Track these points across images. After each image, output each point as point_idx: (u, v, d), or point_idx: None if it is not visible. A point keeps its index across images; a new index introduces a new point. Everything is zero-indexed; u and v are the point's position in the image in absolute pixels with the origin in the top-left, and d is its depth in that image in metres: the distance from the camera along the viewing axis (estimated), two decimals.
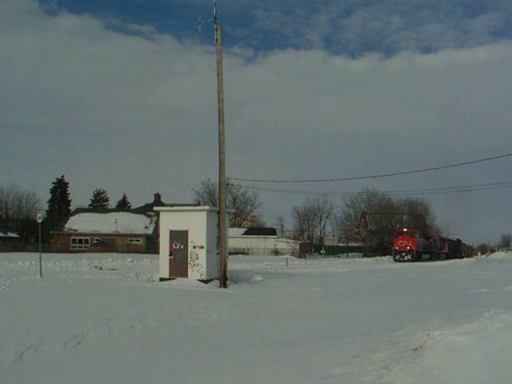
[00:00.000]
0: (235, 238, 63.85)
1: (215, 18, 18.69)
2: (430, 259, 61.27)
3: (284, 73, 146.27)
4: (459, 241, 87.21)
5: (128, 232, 66.49)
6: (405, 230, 62.39)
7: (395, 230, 67.58)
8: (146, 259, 37.05)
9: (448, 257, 70.22)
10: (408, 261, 53.58)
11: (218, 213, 18.79)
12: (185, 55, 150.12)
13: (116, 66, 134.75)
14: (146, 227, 68.89)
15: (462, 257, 75.74)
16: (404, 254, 56.03)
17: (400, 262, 53.41)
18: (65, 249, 59.26)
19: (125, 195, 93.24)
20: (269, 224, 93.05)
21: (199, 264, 18.12)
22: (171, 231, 18.67)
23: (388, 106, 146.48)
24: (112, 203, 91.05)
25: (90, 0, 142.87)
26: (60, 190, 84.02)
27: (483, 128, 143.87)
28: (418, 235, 59.18)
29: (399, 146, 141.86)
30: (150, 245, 60.39)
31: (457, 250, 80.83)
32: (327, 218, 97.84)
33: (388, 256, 65.28)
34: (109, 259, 36.92)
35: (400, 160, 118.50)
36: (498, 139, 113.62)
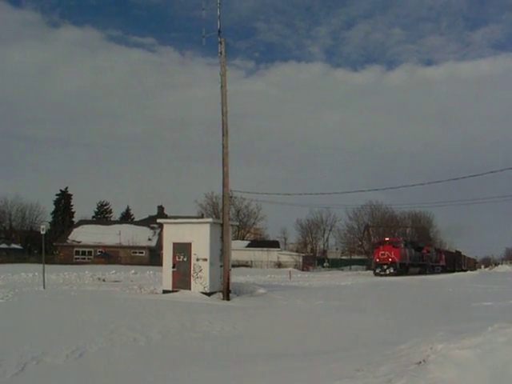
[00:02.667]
0: (238, 250, 63.78)
1: (219, 31, 18.84)
2: (421, 273, 55.33)
3: (285, 85, 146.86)
4: (459, 253, 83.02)
5: (131, 244, 66.48)
6: (387, 239, 56.04)
7: (376, 240, 62.07)
8: (149, 271, 37.02)
9: (445, 270, 65.41)
10: (390, 275, 47.49)
11: (222, 225, 18.79)
12: (186, 67, 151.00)
13: (118, 78, 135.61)
14: (150, 239, 68.89)
15: (463, 270, 72.96)
16: (385, 266, 49.32)
17: (381, 276, 47.15)
18: (68, 260, 59.21)
19: (128, 207, 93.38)
20: (272, 237, 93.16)
21: (202, 276, 18.10)
22: (174, 243, 18.67)
23: (390, 118, 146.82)
24: (115, 215, 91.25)
25: (92, 12, 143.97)
26: (63, 201, 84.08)
27: (486, 141, 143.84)
28: (402, 245, 52.95)
29: (402, 159, 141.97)
30: (154, 257, 60.36)
31: (456, 262, 76.22)
32: (330, 230, 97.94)
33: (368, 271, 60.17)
34: (112, 271, 36.91)
35: (403, 173, 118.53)
36: (502, 152, 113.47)
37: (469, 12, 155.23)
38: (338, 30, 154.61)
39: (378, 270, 49.71)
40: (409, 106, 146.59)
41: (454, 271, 66.80)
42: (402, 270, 49.82)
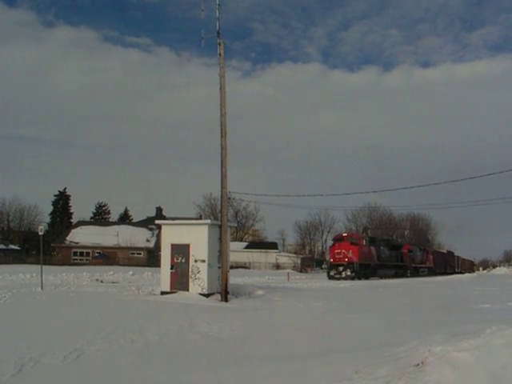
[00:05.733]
0: (237, 251, 63.79)
1: (218, 33, 18.80)
2: (398, 276, 48.02)
3: (282, 86, 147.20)
4: (451, 253, 77.03)
5: (129, 245, 66.44)
6: (344, 234, 47.61)
7: (333, 236, 52.39)
8: (147, 272, 36.95)
9: (433, 273, 59.31)
10: (346, 278, 40.02)
11: (220, 227, 18.77)
12: (182, 68, 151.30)
13: (114, 79, 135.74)
14: (148, 240, 68.85)
15: (456, 272, 69.63)
16: (341, 268, 41.23)
17: (336, 279, 39.66)
18: (66, 261, 59.18)
19: (126, 208, 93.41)
20: (270, 238, 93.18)
21: (200, 278, 18.07)
22: (173, 245, 18.64)
23: (387, 119, 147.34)
24: (114, 216, 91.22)
25: (87, 12, 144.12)
26: (62, 202, 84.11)
27: (484, 142, 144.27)
28: (365, 242, 44.82)
29: (400, 160, 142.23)
30: (152, 258, 60.33)
31: (448, 264, 69.80)
32: (329, 232, 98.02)
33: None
34: (110, 272, 36.84)
35: (401, 174, 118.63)
36: (500, 154, 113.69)
37: (465, 13, 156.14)
38: (335, 31, 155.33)
39: (332, 273, 42.13)
40: (406, 108, 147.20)
41: (445, 274, 62.27)
42: (364, 272, 42.47)
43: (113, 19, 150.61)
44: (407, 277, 48.93)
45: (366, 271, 42.70)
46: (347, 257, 41.45)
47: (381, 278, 44.91)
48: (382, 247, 47.79)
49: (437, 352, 5.86)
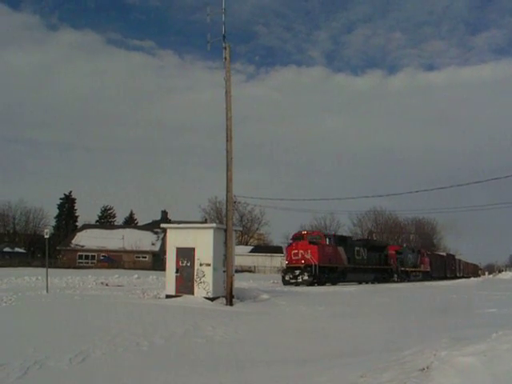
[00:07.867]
0: (242, 255, 63.69)
1: (224, 37, 18.86)
2: (378, 280, 42.13)
3: (286, 89, 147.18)
4: (451, 256, 72.10)
5: (135, 249, 66.53)
6: (304, 232, 40.38)
7: (292, 235, 43.60)
8: (152, 276, 36.98)
9: (430, 277, 54.18)
10: (303, 283, 34.10)
11: (225, 230, 18.76)
12: (186, 71, 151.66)
13: (119, 81, 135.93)
14: (153, 244, 68.93)
15: (458, 277, 66.30)
16: (297, 272, 34.72)
17: (291, 284, 33.89)
18: (71, 264, 59.31)
19: (132, 212, 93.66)
20: (276, 242, 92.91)
21: (205, 281, 18.08)
22: (178, 248, 18.67)
23: (392, 123, 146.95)
24: (119, 219, 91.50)
25: (91, 15, 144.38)
26: (67, 205, 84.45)
27: (489, 146, 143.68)
28: (328, 241, 37.82)
29: (405, 164, 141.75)
30: (157, 262, 60.37)
31: (447, 268, 64.98)
32: None
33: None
34: (115, 276, 36.87)
35: (406, 178, 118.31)
36: (505, 157, 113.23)
37: (469, 16, 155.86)
38: (338, 34, 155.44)
39: (287, 277, 35.47)
40: (411, 111, 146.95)
41: (444, 278, 58.20)
42: (328, 276, 36.21)
43: (116, 22, 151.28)
44: (393, 282, 43.74)
45: (330, 275, 36.46)
46: (304, 258, 35.13)
47: (360, 283, 39.93)
48: (356, 248, 41.29)
49: (442, 356, 5.85)
